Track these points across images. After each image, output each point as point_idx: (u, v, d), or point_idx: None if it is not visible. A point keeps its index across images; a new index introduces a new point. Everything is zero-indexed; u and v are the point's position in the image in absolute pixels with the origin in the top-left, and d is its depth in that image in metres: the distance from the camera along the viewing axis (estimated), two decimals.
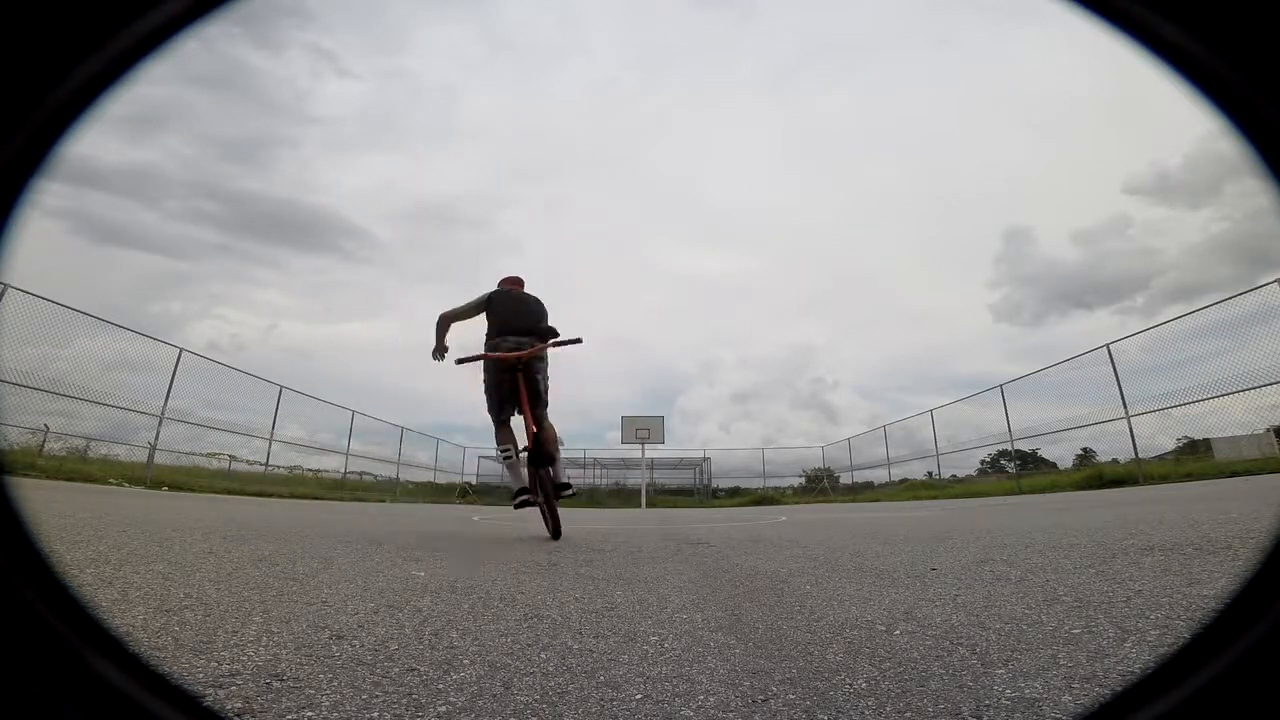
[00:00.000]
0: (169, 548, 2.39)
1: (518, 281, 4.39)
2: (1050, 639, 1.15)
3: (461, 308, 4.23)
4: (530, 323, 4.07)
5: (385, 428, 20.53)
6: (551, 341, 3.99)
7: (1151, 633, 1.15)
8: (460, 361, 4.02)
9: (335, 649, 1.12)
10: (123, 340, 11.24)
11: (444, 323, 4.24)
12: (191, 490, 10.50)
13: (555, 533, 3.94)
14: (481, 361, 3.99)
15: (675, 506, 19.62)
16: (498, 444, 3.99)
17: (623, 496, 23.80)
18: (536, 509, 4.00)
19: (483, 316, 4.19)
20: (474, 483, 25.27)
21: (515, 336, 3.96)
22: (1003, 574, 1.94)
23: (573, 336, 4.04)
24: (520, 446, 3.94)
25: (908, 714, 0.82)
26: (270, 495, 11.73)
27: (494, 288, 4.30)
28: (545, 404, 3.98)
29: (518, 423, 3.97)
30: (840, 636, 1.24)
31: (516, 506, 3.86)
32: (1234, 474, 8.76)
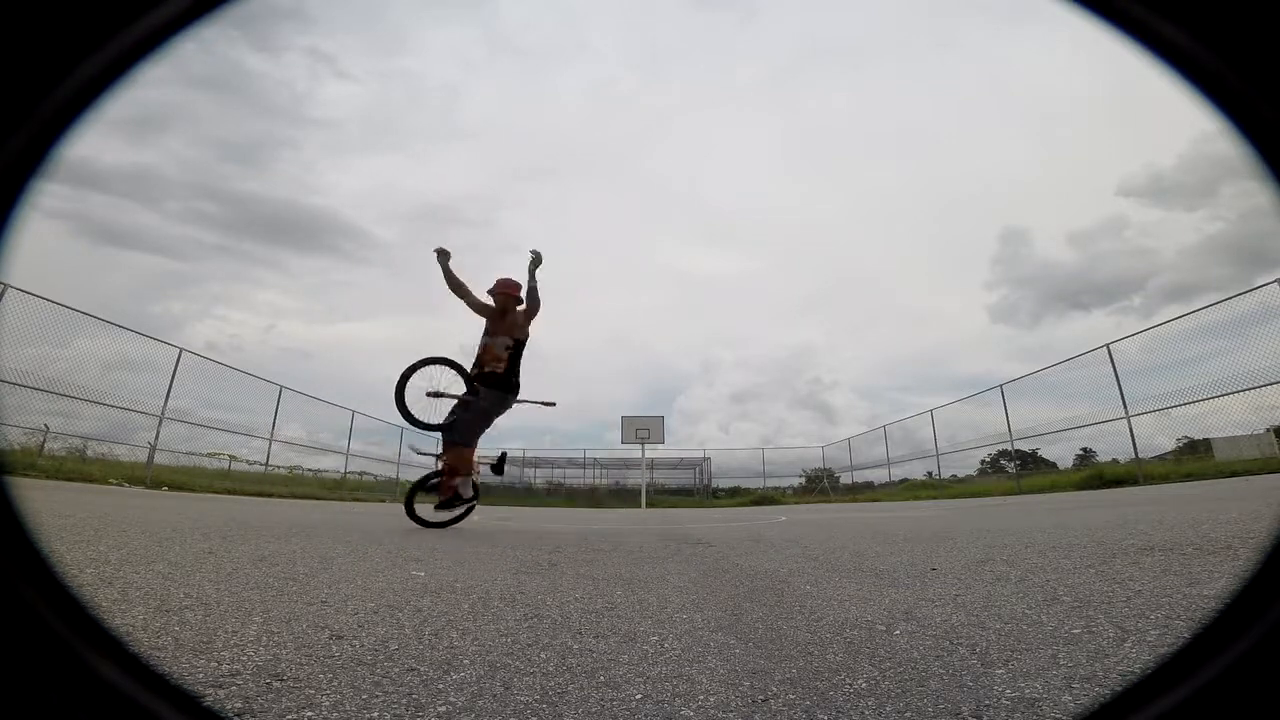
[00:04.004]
0: (169, 548, 2.39)
1: (518, 289, 4.75)
2: (1050, 639, 1.15)
3: (475, 299, 4.77)
4: None
5: (385, 428, 20.50)
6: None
7: (1151, 633, 1.14)
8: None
9: (335, 649, 1.12)
10: (123, 340, 11.25)
11: (457, 289, 4.74)
12: (191, 490, 10.49)
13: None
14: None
15: (675, 506, 19.61)
16: (468, 462, 4.58)
17: (623, 496, 23.79)
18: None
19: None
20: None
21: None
22: (1003, 574, 1.94)
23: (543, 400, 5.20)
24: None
25: (908, 714, 0.82)
26: (270, 495, 11.72)
27: (506, 294, 4.70)
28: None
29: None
30: (840, 636, 1.24)
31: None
32: (1234, 474, 8.76)
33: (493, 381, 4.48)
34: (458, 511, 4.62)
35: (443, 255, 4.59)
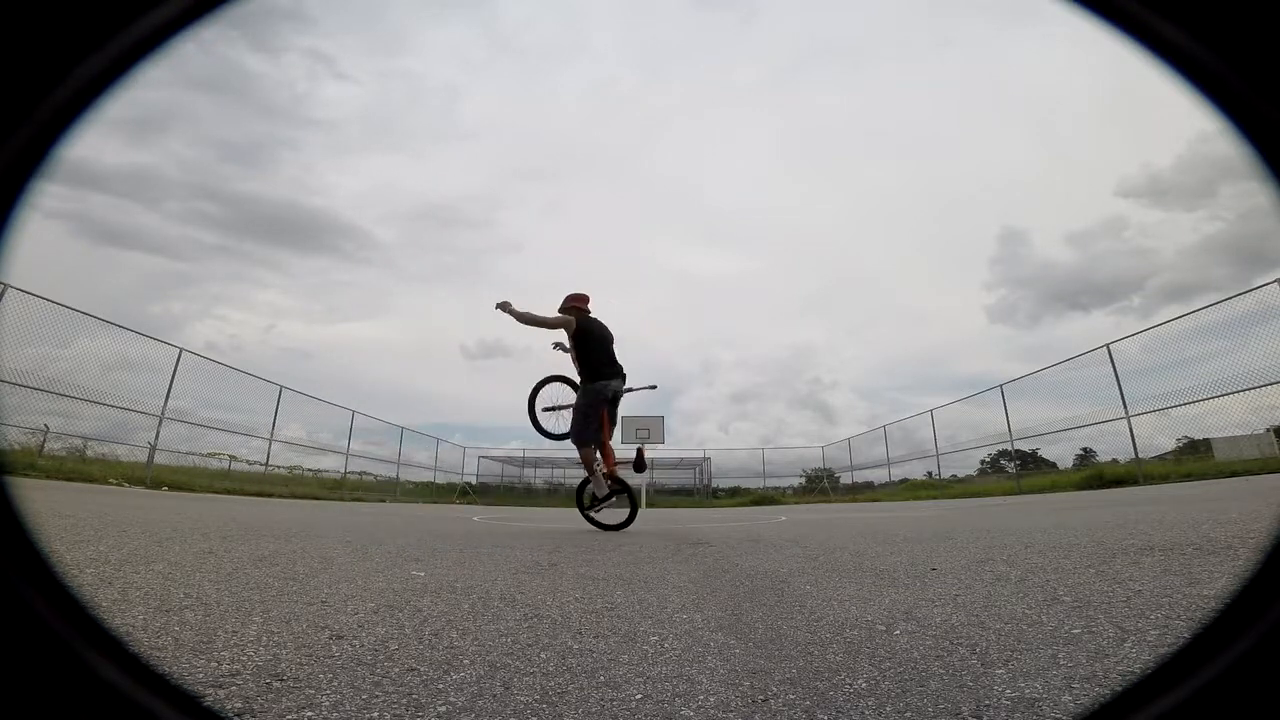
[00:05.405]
0: (169, 548, 2.39)
1: (585, 300, 5.02)
2: (1050, 639, 1.15)
3: (544, 319, 4.87)
4: (618, 360, 4.93)
5: (385, 428, 20.56)
6: (632, 388, 5.06)
7: (1151, 633, 1.14)
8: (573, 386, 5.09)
9: (335, 649, 1.12)
10: (123, 340, 11.25)
11: (528, 321, 4.86)
12: (191, 490, 10.49)
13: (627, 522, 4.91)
14: (563, 381, 5.14)
15: (675, 507, 19.60)
16: (587, 461, 4.81)
17: None
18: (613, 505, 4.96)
19: (552, 332, 5.02)
20: (474, 483, 25.29)
21: (618, 375, 4.86)
22: (1003, 574, 1.94)
23: (647, 384, 5.76)
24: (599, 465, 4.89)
25: (908, 714, 0.82)
26: (270, 495, 11.72)
27: (568, 306, 4.95)
28: None
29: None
30: (840, 636, 1.24)
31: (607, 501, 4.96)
32: (1234, 474, 8.76)
33: (574, 383, 5.04)
34: (601, 509, 4.94)
35: (504, 306, 4.88)
